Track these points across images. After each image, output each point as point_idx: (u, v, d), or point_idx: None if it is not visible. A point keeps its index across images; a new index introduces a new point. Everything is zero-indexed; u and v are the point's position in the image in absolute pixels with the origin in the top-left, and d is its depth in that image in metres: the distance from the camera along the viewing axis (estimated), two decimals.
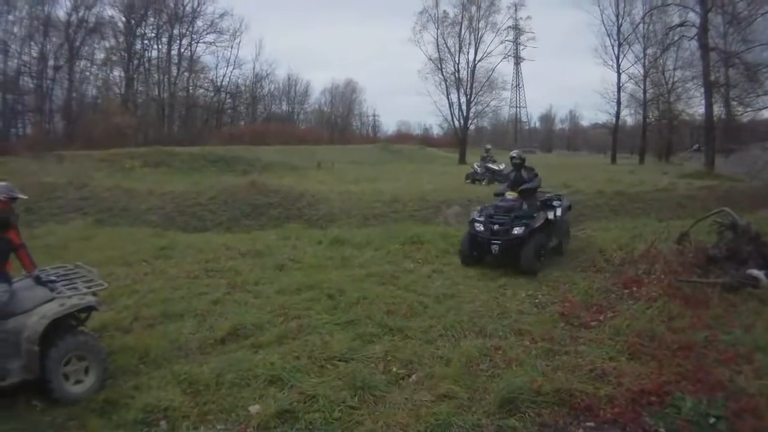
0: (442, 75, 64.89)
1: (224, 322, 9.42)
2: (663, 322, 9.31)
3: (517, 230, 13.21)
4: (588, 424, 6.43)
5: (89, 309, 7.59)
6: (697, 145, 61.46)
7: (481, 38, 64.50)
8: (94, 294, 7.63)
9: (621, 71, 63.85)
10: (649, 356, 8.05)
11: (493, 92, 68.86)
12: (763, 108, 30.73)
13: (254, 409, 6.66)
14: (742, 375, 7.30)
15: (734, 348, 8.17)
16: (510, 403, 6.64)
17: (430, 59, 64.88)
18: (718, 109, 45.88)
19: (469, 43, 64.30)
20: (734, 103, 41.89)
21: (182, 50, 71.09)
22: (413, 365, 7.94)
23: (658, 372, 7.46)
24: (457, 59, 64.47)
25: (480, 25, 64.14)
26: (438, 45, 64.29)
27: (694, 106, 58.64)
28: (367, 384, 7.12)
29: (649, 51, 60.72)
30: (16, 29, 58.57)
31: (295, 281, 11.77)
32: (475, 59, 64.41)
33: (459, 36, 63.98)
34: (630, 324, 9.12)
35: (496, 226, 13.51)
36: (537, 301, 11.08)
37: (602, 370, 7.49)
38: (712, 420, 6.29)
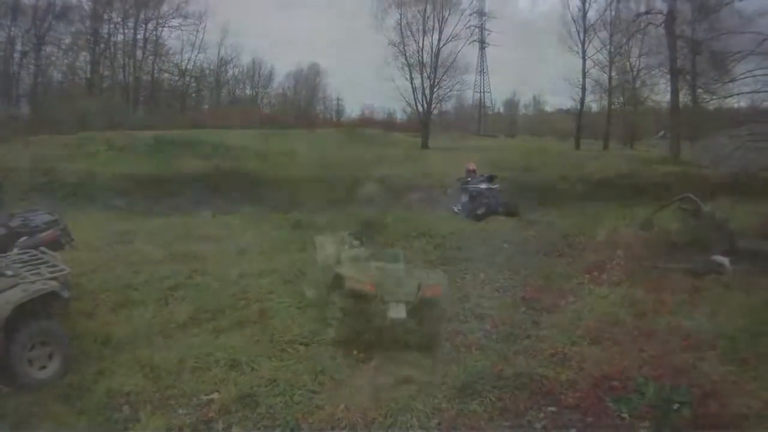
0: (405, 59, 64.64)
1: (186, 307, 9.35)
2: (625, 307, 9.31)
3: None
4: (550, 408, 6.44)
5: (53, 294, 7.50)
6: (662, 132, 61.72)
7: (445, 21, 64.33)
8: (56, 279, 7.58)
9: (586, 57, 64.07)
10: (611, 341, 8.07)
11: (457, 76, 68.60)
12: (729, 96, 30.82)
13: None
14: (705, 361, 7.32)
15: (698, 334, 8.17)
16: (470, 387, 6.65)
17: (393, 44, 64.57)
18: (684, 96, 46.13)
19: (433, 27, 64.13)
20: (700, 90, 42.01)
21: (148, 34, 70.41)
22: (373, 349, 7.89)
23: (620, 357, 7.48)
24: (420, 43, 64.30)
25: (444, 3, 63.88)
26: (401, 28, 64.00)
27: (660, 93, 58.91)
28: (328, 368, 7.09)
29: (615, 37, 60.93)
30: None
31: (257, 265, 11.65)
32: (439, 43, 64.28)
33: (423, 18, 63.74)
34: (592, 309, 9.14)
35: None
36: (498, 285, 11.07)
37: (564, 355, 7.51)
38: (675, 405, 6.30)
